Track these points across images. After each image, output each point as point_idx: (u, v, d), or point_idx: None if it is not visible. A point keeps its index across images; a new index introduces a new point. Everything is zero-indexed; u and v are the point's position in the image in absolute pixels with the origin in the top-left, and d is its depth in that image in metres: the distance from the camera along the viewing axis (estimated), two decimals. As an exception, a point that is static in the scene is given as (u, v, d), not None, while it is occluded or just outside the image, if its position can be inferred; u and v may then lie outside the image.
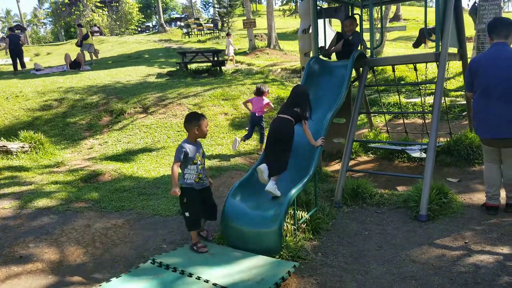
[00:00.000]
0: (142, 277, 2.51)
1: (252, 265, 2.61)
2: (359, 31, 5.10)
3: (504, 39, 3.13)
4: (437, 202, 3.49)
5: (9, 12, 60.86)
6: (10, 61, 12.57)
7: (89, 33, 14.83)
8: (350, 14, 5.27)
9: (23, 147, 5.82)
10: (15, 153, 5.66)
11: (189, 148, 2.87)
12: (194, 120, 2.90)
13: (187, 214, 2.87)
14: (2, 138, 6.10)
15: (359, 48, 4.84)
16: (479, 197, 3.80)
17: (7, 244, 3.02)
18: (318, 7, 5.06)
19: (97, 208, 3.82)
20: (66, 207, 3.78)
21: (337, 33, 5.10)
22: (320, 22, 5.06)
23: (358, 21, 5.13)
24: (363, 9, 5.48)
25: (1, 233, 3.19)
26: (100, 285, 2.45)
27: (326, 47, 5.17)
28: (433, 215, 3.41)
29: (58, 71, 12.00)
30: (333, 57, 5.24)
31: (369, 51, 4.84)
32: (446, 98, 7.85)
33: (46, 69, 12.56)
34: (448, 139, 5.31)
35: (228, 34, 14.55)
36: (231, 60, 13.78)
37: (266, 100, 5.88)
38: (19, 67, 12.18)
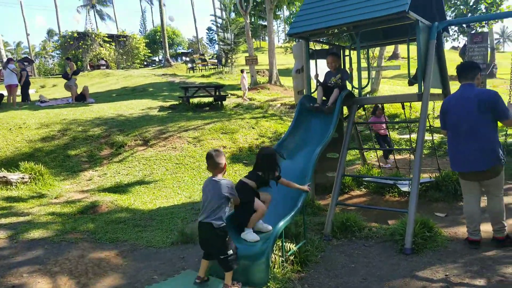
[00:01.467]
0: (131, 307, 2.58)
1: (238, 296, 2.68)
2: (345, 68, 5.28)
3: (470, 81, 3.43)
4: (422, 236, 3.59)
5: (19, 44, 63.28)
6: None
7: (78, 68, 15.12)
8: (341, 57, 5.45)
9: (23, 178, 5.98)
10: (15, 184, 5.81)
11: None
12: (223, 156, 2.88)
13: (230, 252, 2.75)
14: (2, 169, 6.27)
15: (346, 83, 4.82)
16: (464, 231, 3.89)
17: (1, 274, 3.10)
18: (311, 50, 5.41)
19: (91, 239, 3.93)
20: (62, 237, 3.89)
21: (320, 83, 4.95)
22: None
23: (349, 61, 5.36)
24: (354, 51, 5.82)
25: (-3, 262, 3.29)
26: (89, 315, 2.53)
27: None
28: (418, 248, 3.50)
29: (63, 103, 12.39)
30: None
31: (357, 90, 5.10)
32: (437, 135, 8.09)
33: (51, 101, 12.94)
34: (437, 175, 5.46)
35: (242, 71, 15.03)
36: (243, 97, 13.56)
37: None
38: (19, 99, 12.47)
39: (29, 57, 38.61)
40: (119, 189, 6.10)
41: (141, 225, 4.42)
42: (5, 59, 16.36)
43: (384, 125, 6.91)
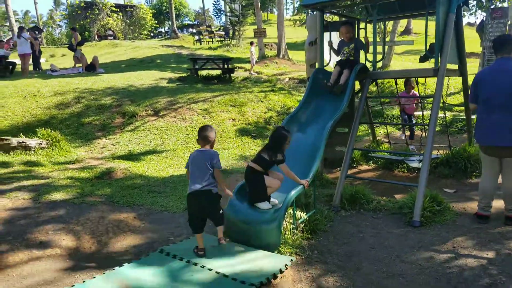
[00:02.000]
0: (152, 264, 2.75)
1: (252, 257, 2.83)
2: (359, 37, 5.13)
3: (507, 54, 3.34)
4: (430, 210, 3.68)
5: (27, 13, 62.58)
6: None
7: (83, 38, 14.97)
8: (356, 29, 5.33)
9: (41, 144, 6.14)
10: (33, 149, 5.98)
11: None
12: (214, 132, 3.10)
13: (221, 211, 3.01)
14: (21, 135, 6.43)
15: (361, 54, 4.81)
16: (472, 207, 3.97)
17: (29, 230, 3.29)
18: (325, 21, 5.30)
19: (109, 202, 4.09)
20: (81, 200, 4.05)
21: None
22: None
23: (364, 34, 5.24)
24: (370, 24, 5.70)
25: (23, 220, 3.47)
26: (113, 269, 2.70)
27: (331, 59, 5.36)
28: (426, 221, 3.60)
29: (74, 73, 12.43)
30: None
31: (370, 64, 5.04)
32: (449, 113, 8.04)
33: (62, 70, 12.99)
34: (447, 152, 5.49)
35: (251, 43, 14.74)
36: (250, 71, 13.38)
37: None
38: (30, 68, 12.60)
39: (38, 26, 38.25)
40: (132, 157, 6.24)
41: (155, 191, 4.57)
42: (15, 28, 16.25)
43: (410, 103, 6.59)
